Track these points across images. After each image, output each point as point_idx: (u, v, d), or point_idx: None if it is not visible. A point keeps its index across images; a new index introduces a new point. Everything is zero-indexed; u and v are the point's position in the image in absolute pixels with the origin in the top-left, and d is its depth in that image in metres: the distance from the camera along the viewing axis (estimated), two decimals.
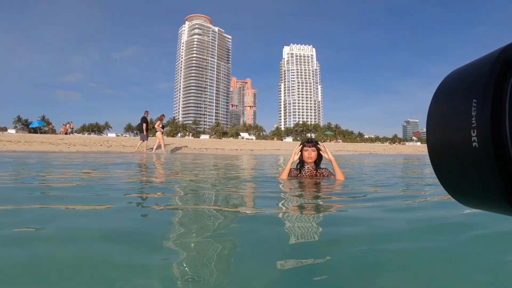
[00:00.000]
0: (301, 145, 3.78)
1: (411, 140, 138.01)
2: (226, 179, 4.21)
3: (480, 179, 0.20)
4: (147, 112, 12.50)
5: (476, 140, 0.19)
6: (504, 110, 0.19)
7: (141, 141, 12.32)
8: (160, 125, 11.94)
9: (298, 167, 3.81)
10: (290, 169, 3.76)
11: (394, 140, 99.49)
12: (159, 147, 12.28)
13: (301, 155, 3.75)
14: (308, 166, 3.74)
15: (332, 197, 2.83)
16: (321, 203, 2.51)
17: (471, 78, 0.21)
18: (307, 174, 3.72)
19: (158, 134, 11.72)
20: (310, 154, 3.70)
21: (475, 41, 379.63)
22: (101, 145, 14.79)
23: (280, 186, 3.42)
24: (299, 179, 3.65)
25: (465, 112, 0.21)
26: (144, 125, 12.15)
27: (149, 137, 12.71)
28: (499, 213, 0.21)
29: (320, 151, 3.73)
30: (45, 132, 37.73)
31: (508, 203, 0.19)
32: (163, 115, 12.55)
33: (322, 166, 3.84)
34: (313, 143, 3.77)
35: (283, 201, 2.55)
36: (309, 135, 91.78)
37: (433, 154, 0.24)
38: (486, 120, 0.19)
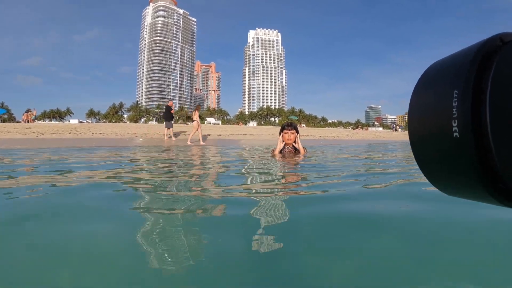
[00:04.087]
0: (281, 133, 4.75)
1: (374, 125, 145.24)
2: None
3: (461, 168, 0.21)
4: (171, 101, 14.23)
5: (457, 130, 0.20)
6: (484, 101, 0.19)
7: (166, 128, 13.69)
8: (197, 115, 12.52)
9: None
10: (273, 149, 5.05)
11: (356, 125, 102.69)
12: (203, 136, 12.91)
13: (282, 137, 4.74)
14: (288, 146, 4.77)
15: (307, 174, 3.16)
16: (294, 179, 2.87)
17: (452, 69, 0.22)
18: (287, 153, 4.76)
19: (195, 123, 12.21)
20: (289, 137, 4.69)
21: (441, 32, 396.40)
22: (69, 133, 14.88)
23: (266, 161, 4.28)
24: (282, 155, 4.73)
25: (446, 102, 0.21)
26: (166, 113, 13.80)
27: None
28: (479, 201, 0.22)
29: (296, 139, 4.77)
30: (4, 121, 35.76)
31: (487, 191, 0.20)
32: (199, 105, 13.51)
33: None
34: (293, 126, 4.73)
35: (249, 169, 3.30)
36: (273, 119, 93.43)
37: (415, 143, 0.25)
38: (466, 111, 0.20)
